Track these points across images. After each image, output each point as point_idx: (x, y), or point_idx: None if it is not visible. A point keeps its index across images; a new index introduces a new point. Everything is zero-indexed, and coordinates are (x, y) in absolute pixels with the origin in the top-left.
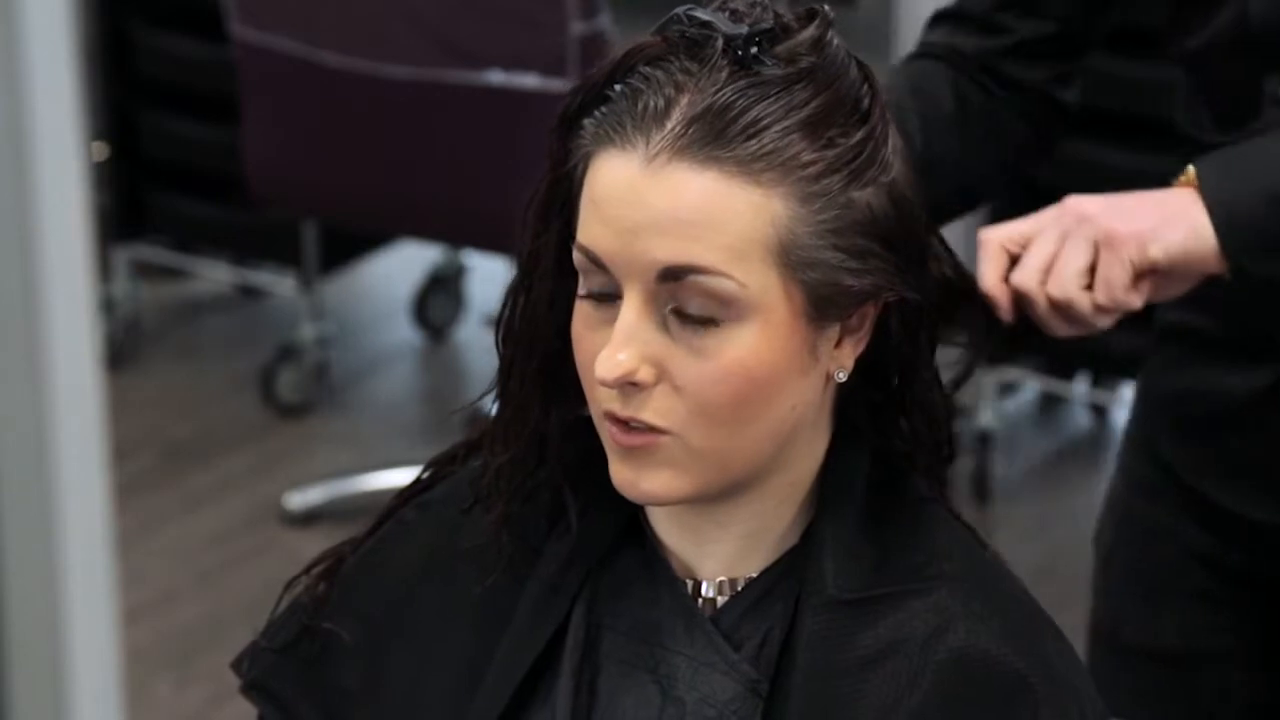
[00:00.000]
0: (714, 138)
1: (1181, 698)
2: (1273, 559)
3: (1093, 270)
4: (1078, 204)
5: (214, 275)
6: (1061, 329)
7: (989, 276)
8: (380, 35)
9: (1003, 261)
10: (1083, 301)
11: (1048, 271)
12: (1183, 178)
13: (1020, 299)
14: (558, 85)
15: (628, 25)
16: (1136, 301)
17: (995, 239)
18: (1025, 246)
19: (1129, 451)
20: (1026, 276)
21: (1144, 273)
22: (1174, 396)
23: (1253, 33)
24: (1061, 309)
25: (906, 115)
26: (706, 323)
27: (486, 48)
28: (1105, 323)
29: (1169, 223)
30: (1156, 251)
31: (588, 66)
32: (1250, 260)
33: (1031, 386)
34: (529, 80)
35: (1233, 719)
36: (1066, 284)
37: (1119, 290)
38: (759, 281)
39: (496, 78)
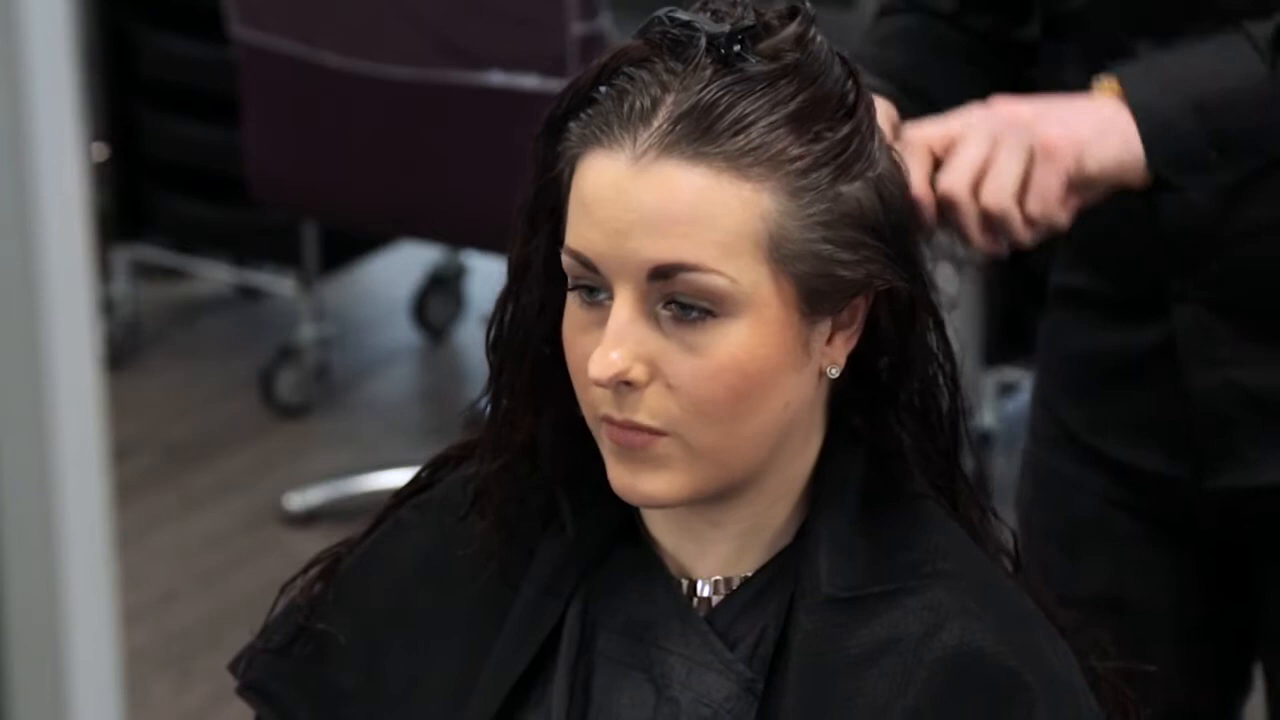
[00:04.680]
0: (701, 134)
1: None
2: (1181, 507)
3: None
4: (1009, 107)
5: (214, 275)
6: (983, 242)
7: (914, 178)
8: (380, 36)
9: (928, 163)
10: (1015, 214)
11: (979, 178)
12: (1104, 84)
13: (944, 205)
14: (558, 86)
15: (628, 25)
16: (1065, 217)
17: (920, 139)
18: (951, 149)
19: (1034, 412)
20: (956, 181)
21: (1075, 186)
22: (1066, 358)
23: None
24: (992, 220)
25: (884, 55)
26: (699, 319)
27: (487, 48)
28: (1029, 238)
29: (1103, 133)
30: (1093, 164)
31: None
32: (1174, 173)
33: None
34: (529, 81)
35: (1159, 662)
36: (1002, 193)
37: (1053, 203)
38: (750, 277)
39: (496, 78)
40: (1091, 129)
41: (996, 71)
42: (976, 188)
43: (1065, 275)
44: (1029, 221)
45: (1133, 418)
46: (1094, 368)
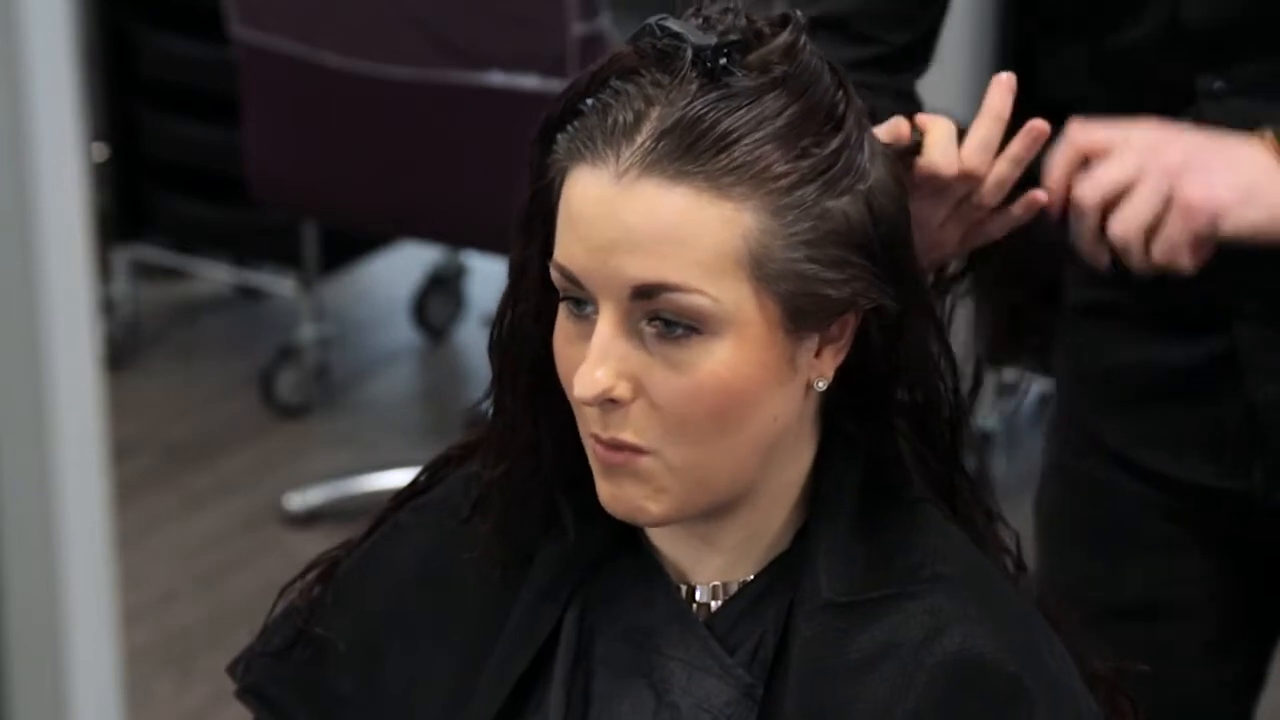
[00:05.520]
0: (683, 153)
1: (1138, 650)
2: (1225, 517)
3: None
4: (1167, 147)
5: (214, 275)
6: (1092, 253)
7: (1056, 173)
8: (380, 36)
9: (1074, 163)
10: (1136, 248)
11: (1111, 201)
12: (1267, 137)
13: (1072, 207)
14: (558, 86)
15: (628, 25)
16: (1190, 265)
17: (1079, 142)
18: (1099, 158)
19: (1061, 421)
20: (1089, 194)
21: (1207, 242)
22: (1099, 373)
23: (1186, 33)
24: (1114, 245)
25: None
26: (682, 336)
27: (486, 48)
28: (1147, 271)
29: (1248, 199)
30: (1228, 227)
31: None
32: None
33: (1031, 385)
34: (529, 81)
35: (1189, 668)
36: (1128, 226)
37: (1177, 253)
38: (732, 296)
39: (496, 78)
40: (1236, 193)
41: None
42: (1107, 208)
43: (1097, 289)
44: (1151, 260)
45: (1178, 432)
46: (1133, 382)
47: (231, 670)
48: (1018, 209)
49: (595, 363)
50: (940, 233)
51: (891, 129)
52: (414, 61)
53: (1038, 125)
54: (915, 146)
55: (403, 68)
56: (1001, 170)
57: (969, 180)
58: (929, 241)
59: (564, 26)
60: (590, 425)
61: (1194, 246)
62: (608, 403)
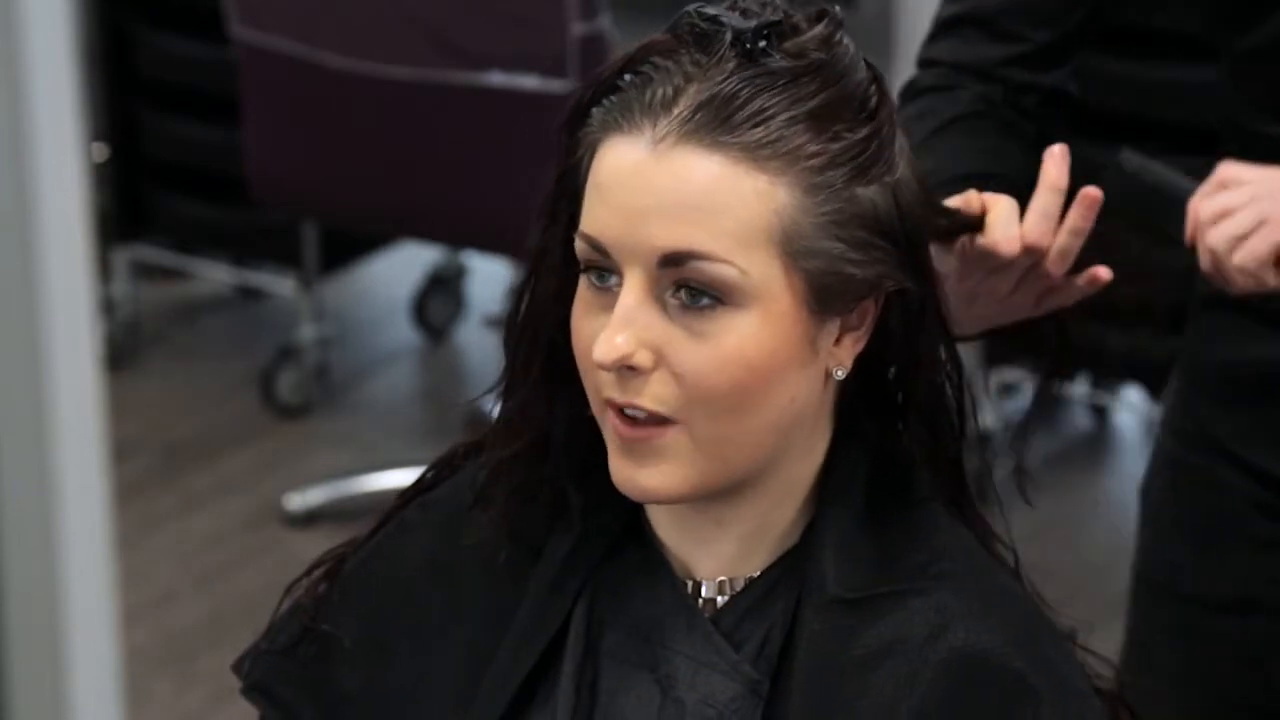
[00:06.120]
0: (720, 124)
1: (1232, 644)
2: None
3: None
4: (1276, 180)
5: (214, 276)
6: (1205, 262)
7: (1196, 198)
8: (380, 36)
9: (1208, 191)
10: (1225, 261)
11: (1218, 220)
12: None
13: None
14: (558, 86)
15: (628, 26)
16: (1273, 280)
17: (1221, 175)
18: (1232, 187)
19: (1175, 411)
20: (1203, 211)
21: None
22: (1217, 366)
23: None
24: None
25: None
26: (708, 307)
27: (486, 48)
28: (1240, 286)
29: None
30: None
31: (588, 67)
32: None
33: (1031, 387)
34: (529, 81)
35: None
36: (1219, 239)
37: (1254, 262)
38: (761, 270)
39: (496, 78)
40: None
41: (1026, 136)
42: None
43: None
44: (1239, 269)
45: (1278, 430)
46: (1243, 377)
47: (237, 668)
48: (1082, 281)
49: (617, 328)
50: (1011, 300)
51: (962, 200)
52: (414, 61)
53: (1091, 193)
54: (977, 223)
55: (403, 68)
56: (1063, 243)
57: (1032, 253)
58: (1000, 309)
59: (564, 26)
60: (606, 390)
61: (1275, 261)
62: (626, 370)
